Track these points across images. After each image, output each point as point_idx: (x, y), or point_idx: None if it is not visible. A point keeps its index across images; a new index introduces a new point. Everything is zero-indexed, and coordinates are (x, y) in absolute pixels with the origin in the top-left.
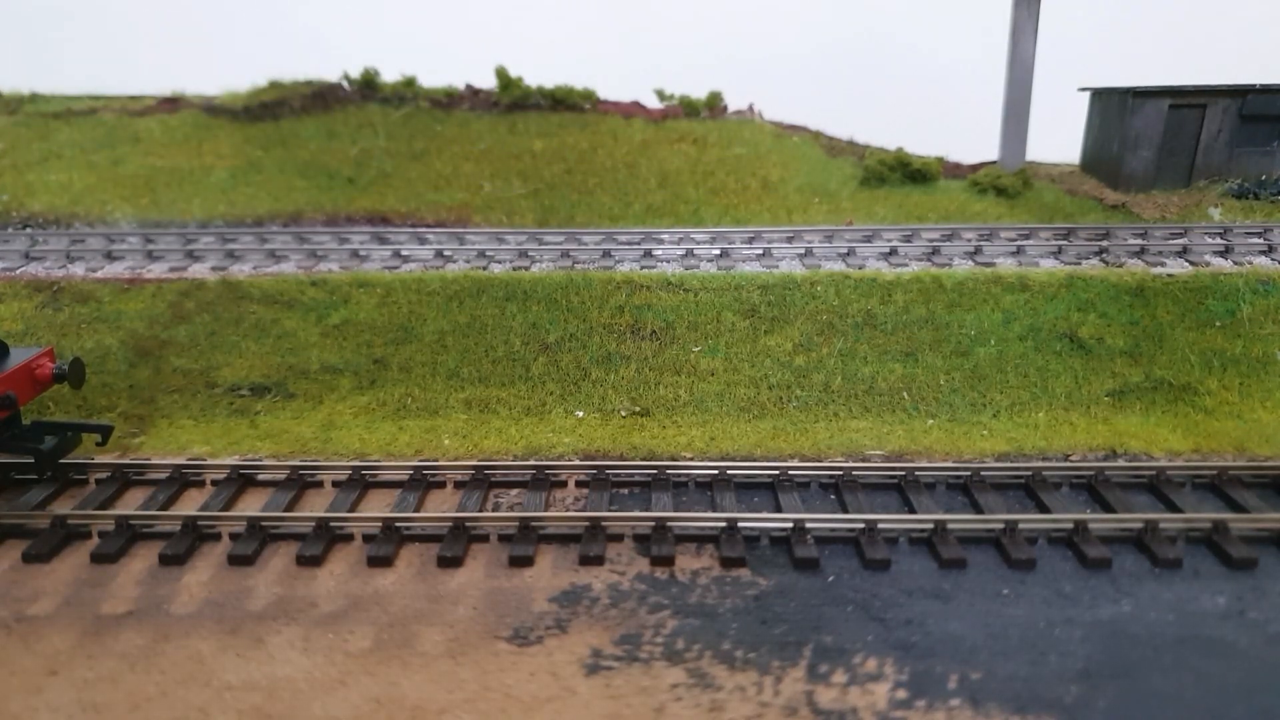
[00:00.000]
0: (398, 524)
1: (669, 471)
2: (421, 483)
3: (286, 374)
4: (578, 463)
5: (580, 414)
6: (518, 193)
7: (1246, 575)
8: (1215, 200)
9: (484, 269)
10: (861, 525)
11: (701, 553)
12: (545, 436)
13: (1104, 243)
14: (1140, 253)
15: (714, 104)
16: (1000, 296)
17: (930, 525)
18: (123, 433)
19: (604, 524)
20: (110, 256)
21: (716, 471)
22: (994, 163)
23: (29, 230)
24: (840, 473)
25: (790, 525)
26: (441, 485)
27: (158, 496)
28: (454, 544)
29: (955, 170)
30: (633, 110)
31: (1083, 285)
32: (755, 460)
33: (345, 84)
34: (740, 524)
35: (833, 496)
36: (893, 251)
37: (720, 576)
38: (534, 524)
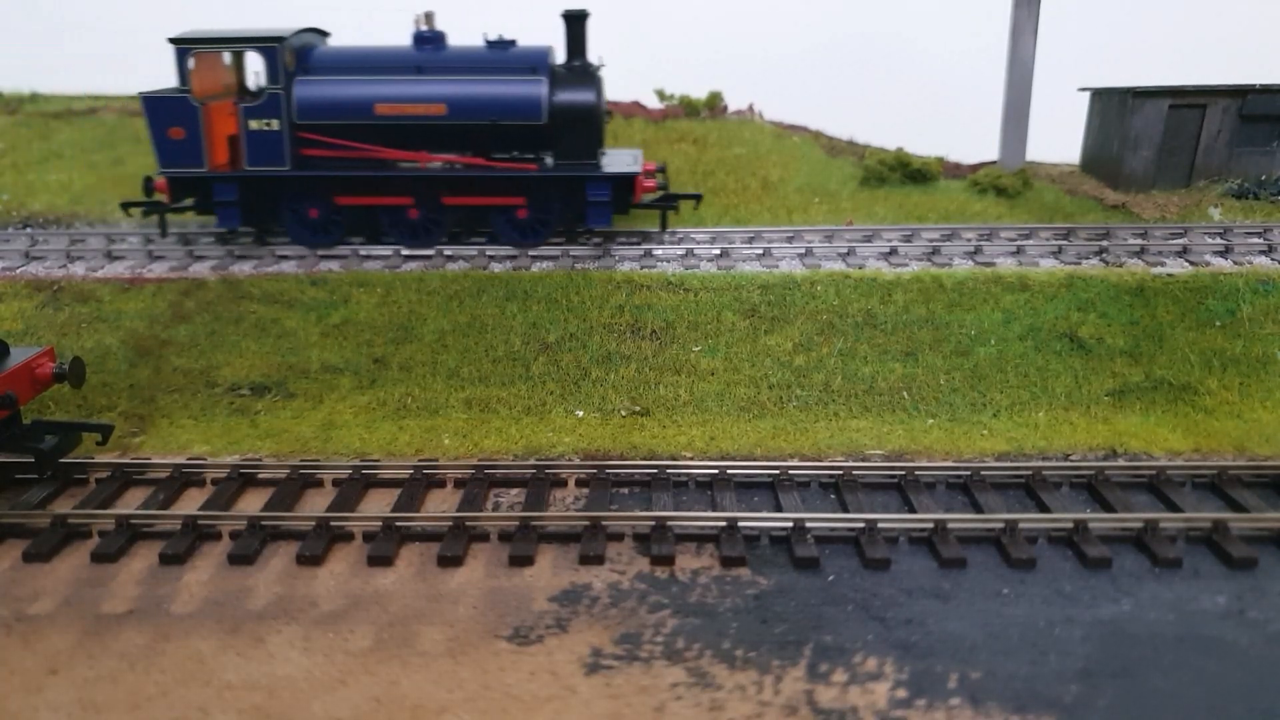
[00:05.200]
0: (398, 523)
1: (669, 471)
2: (422, 482)
3: (287, 373)
4: (578, 462)
5: (580, 413)
6: None
7: (1246, 575)
8: (1215, 200)
9: (484, 268)
10: (861, 525)
11: (702, 552)
12: (545, 436)
13: (1104, 243)
14: (1140, 253)
15: (714, 104)
16: (1000, 296)
17: (930, 525)
18: (123, 432)
19: (604, 523)
20: (110, 256)
21: (716, 471)
22: (994, 163)
23: (29, 230)
24: (840, 472)
25: (790, 525)
26: (442, 484)
27: (158, 496)
28: (454, 543)
29: (955, 170)
30: (633, 110)
31: (1083, 285)
32: (755, 460)
33: None
34: (740, 523)
35: (833, 496)
36: (893, 251)
37: (720, 576)
38: (534, 523)
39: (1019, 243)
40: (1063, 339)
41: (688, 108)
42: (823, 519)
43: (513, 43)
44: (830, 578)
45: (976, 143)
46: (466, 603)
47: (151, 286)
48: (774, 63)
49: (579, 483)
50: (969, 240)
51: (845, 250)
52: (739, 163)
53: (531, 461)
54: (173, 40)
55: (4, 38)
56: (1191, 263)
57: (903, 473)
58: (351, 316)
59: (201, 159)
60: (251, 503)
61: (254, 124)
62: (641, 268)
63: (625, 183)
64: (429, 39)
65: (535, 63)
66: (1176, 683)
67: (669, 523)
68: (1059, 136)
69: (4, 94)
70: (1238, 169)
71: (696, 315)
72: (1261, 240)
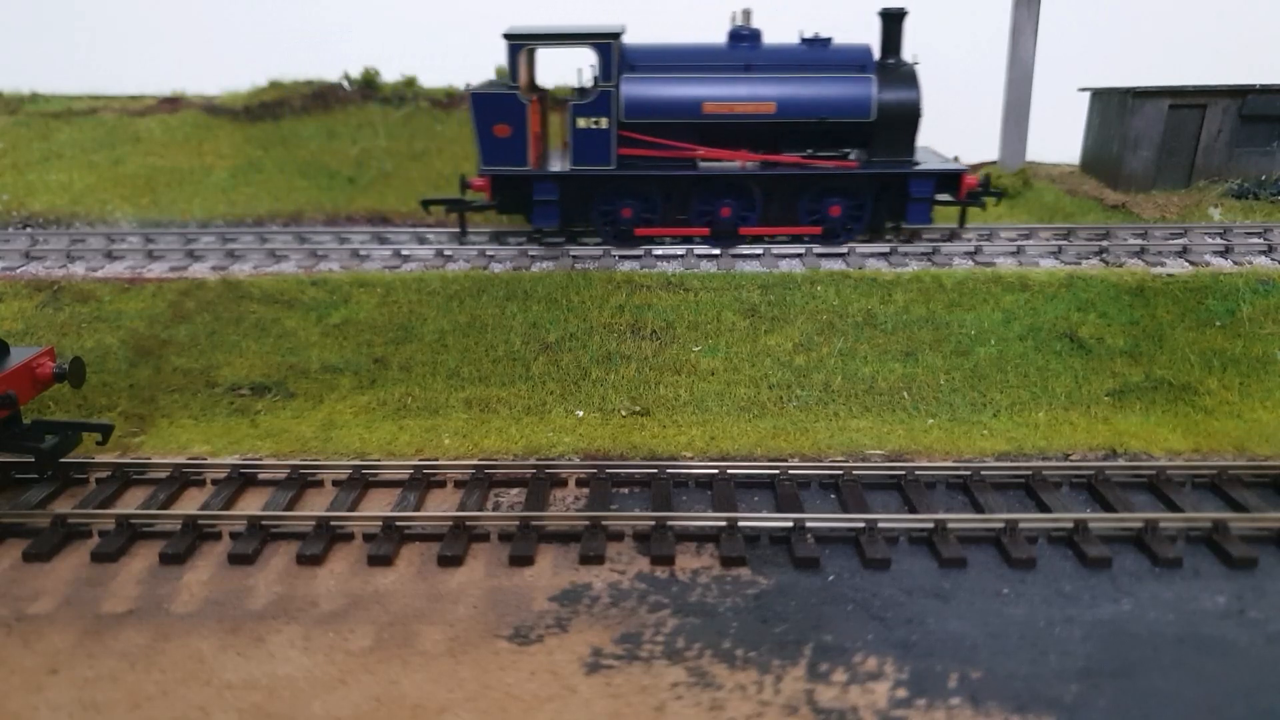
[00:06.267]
0: (398, 523)
1: (669, 470)
2: (422, 482)
3: (287, 373)
4: (578, 462)
5: (580, 413)
6: None
7: (1246, 574)
8: (1215, 200)
9: (484, 268)
10: (862, 524)
11: (702, 552)
12: (545, 436)
13: (1104, 243)
14: (1140, 253)
15: None
16: (1000, 296)
17: (930, 524)
18: (123, 432)
19: (604, 523)
20: (110, 256)
21: (716, 471)
22: (994, 163)
23: (29, 230)
24: (840, 472)
25: (790, 524)
26: (442, 484)
27: (158, 495)
28: (454, 543)
29: None
30: None
31: (1083, 285)
32: (755, 459)
33: (345, 84)
34: (740, 523)
35: (833, 496)
36: (893, 251)
37: (720, 575)
38: (534, 523)
39: (1019, 243)
40: (1063, 339)
41: None
42: (823, 519)
43: (829, 40)
44: (830, 577)
45: (976, 143)
46: (467, 602)
47: (151, 286)
48: None
49: (579, 482)
50: (969, 240)
51: (845, 250)
52: None
53: (532, 461)
54: (507, 36)
55: (4, 37)
56: (1191, 263)
57: (903, 472)
58: (352, 316)
59: (525, 157)
60: (251, 502)
61: (582, 122)
62: (641, 267)
63: (947, 180)
64: (746, 36)
65: (862, 61)
66: (1176, 683)
67: (669, 522)
68: (1059, 136)
69: (4, 94)
70: (1238, 169)
71: (696, 315)
72: (1261, 240)
